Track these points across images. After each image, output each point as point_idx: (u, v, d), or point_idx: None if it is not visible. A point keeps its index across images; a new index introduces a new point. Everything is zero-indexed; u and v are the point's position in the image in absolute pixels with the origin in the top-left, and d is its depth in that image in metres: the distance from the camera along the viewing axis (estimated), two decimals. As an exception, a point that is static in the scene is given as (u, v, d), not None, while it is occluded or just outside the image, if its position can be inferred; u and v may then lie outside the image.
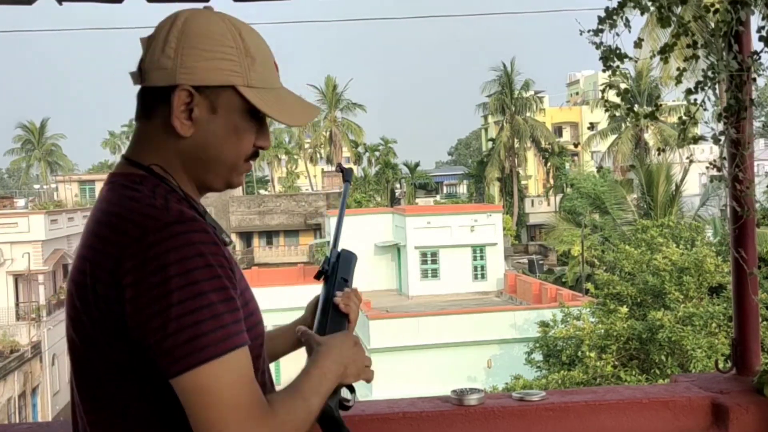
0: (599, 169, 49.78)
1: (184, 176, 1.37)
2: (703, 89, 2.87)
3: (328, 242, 36.05)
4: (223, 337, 1.21)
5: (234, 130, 1.35)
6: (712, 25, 2.85)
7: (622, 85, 3.16)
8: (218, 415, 1.19)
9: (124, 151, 1.45)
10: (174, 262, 1.20)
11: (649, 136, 46.47)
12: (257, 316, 1.38)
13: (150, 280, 1.20)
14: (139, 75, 1.36)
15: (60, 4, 2.91)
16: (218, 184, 1.41)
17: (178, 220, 1.25)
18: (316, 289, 1.63)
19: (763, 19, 2.86)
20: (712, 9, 2.85)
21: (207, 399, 1.20)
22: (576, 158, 61.60)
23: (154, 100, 1.34)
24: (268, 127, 1.42)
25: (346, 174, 1.76)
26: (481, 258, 34.10)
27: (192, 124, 1.32)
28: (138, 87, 1.39)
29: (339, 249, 1.65)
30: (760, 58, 2.85)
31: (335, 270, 1.63)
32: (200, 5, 1.44)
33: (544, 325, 18.07)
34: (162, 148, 1.35)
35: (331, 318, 1.56)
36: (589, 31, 2.98)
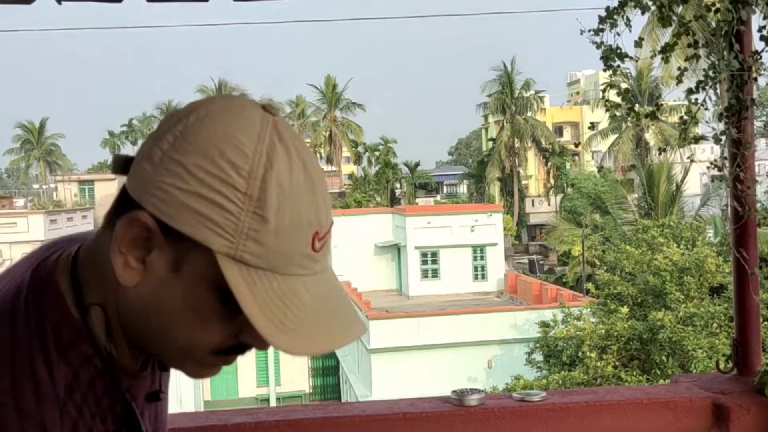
0: (600, 168, 49.83)
1: (120, 330, 0.94)
2: (704, 89, 2.87)
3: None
4: None
5: (196, 307, 0.88)
6: (713, 24, 2.84)
7: (623, 85, 3.16)
8: None
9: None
10: None
11: (650, 136, 46.51)
12: None
13: None
14: (125, 163, 0.92)
15: (59, 3, 2.91)
16: (169, 362, 0.97)
17: None
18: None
19: (764, 18, 2.85)
20: (713, 8, 2.84)
21: None
22: (577, 158, 61.65)
23: (125, 205, 0.89)
24: None
25: None
26: (482, 258, 34.11)
27: (142, 270, 0.88)
28: None
29: None
30: (761, 57, 2.85)
31: None
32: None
33: (544, 325, 18.08)
34: (105, 278, 0.92)
35: None
36: (589, 31, 2.97)
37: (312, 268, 0.87)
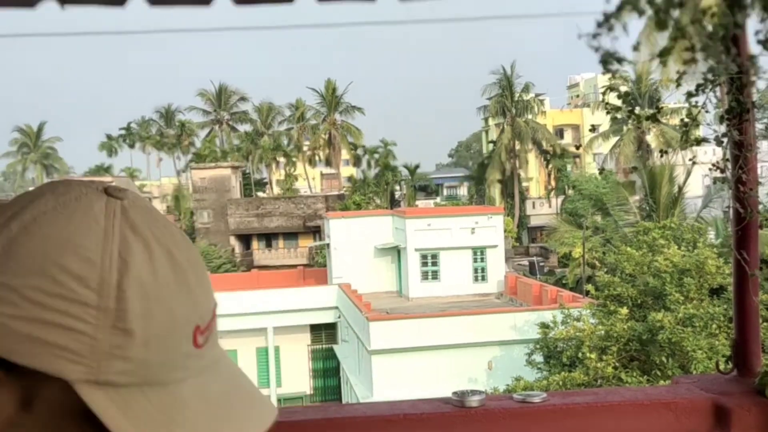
0: (601, 170, 49.83)
1: None
2: (703, 92, 2.88)
3: (328, 244, 36.08)
4: None
5: None
6: (710, 28, 2.85)
7: (623, 88, 3.17)
8: None
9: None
10: None
11: (652, 138, 46.54)
12: None
13: None
14: None
15: (62, 7, 2.92)
16: None
17: None
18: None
19: (760, 21, 2.87)
20: (709, 12, 2.85)
21: None
22: (578, 160, 61.67)
23: None
24: None
25: None
26: (482, 260, 34.11)
27: None
28: None
29: None
30: (758, 61, 2.86)
31: None
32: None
33: (544, 326, 18.09)
34: None
35: None
36: (587, 35, 2.98)
37: (197, 367, 0.73)
